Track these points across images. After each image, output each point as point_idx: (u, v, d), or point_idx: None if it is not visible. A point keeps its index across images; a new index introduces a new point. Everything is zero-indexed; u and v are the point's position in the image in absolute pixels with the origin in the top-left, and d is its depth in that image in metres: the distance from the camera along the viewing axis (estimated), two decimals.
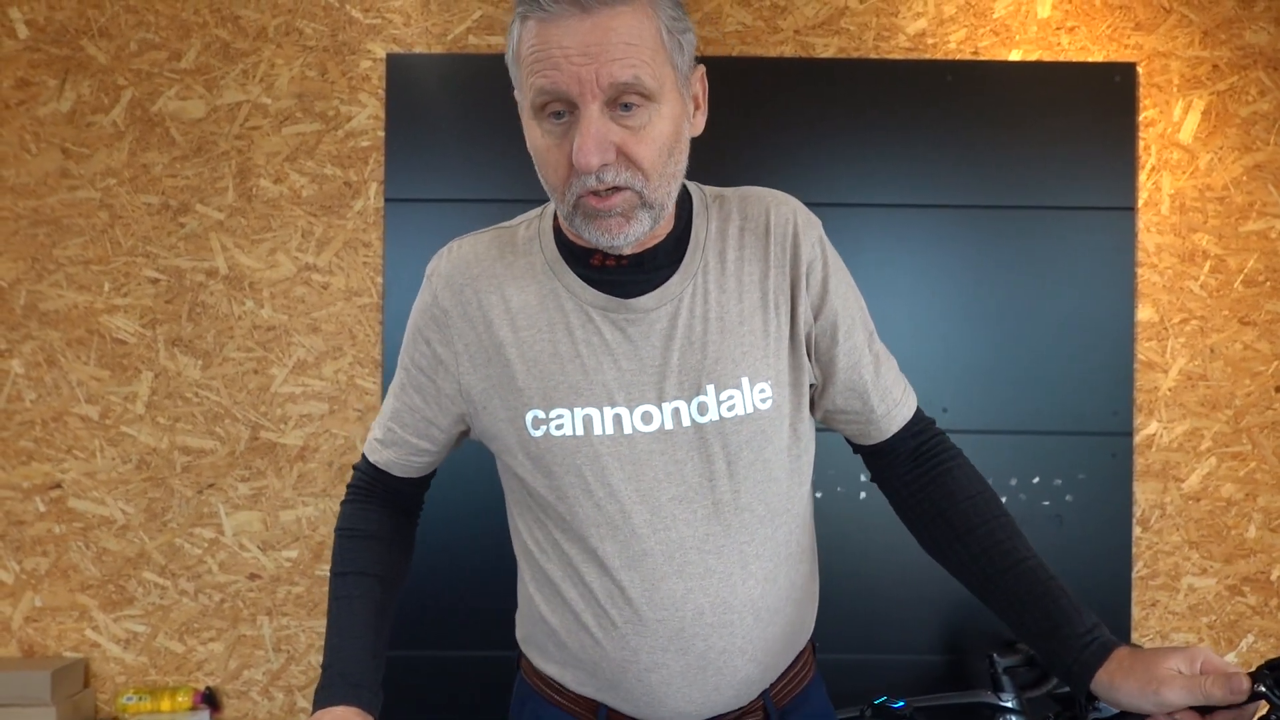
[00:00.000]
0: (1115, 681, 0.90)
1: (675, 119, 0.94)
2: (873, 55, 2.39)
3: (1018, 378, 2.37)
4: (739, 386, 1.00)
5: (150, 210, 2.38)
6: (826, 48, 2.40)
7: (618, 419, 1.00)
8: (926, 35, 2.40)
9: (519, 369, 1.01)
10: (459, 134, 2.36)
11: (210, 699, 2.35)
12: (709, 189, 1.09)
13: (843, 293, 1.07)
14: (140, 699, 2.31)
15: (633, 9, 0.88)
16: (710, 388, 1.00)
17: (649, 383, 1.00)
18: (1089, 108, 2.37)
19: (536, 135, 0.94)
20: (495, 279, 1.04)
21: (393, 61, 2.36)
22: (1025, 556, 1.01)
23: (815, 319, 1.05)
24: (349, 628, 1.04)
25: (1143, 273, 2.40)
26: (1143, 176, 2.40)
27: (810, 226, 1.06)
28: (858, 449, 1.17)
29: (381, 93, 2.37)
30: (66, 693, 2.28)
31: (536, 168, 0.97)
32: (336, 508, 2.36)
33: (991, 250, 2.37)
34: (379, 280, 2.38)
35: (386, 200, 2.36)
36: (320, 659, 2.40)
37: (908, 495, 1.12)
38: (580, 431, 0.99)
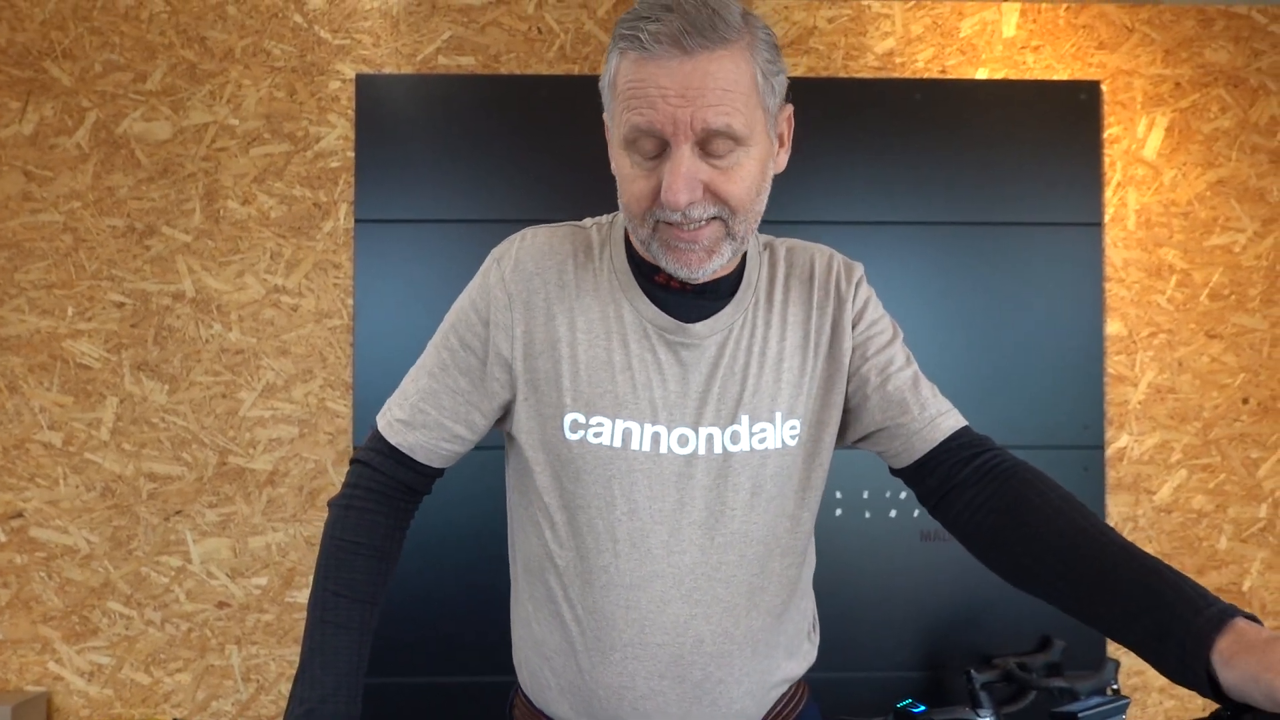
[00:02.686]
0: (1232, 657, 0.74)
1: (763, 160, 0.96)
2: (841, 74, 2.41)
3: (989, 392, 2.38)
4: (772, 421, 1.02)
5: (115, 233, 2.34)
6: (795, 67, 2.41)
7: (655, 437, 1.00)
8: (894, 54, 2.42)
9: (567, 370, 1.02)
10: (429, 154, 2.35)
11: None
12: (761, 236, 1.12)
13: (879, 318, 1.11)
14: None
15: (732, 53, 0.89)
16: (745, 418, 1.01)
17: (690, 407, 1.01)
18: (1055, 125, 2.40)
19: (624, 164, 0.96)
20: (566, 275, 1.05)
21: (362, 82, 2.35)
22: (1115, 538, 0.90)
23: (853, 337, 1.08)
24: (333, 661, 0.98)
25: (1111, 287, 2.42)
26: (1109, 192, 2.43)
27: (851, 269, 1.11)
28: (909, 475, 1.09)
29: (351, 113, 2.36)
30: None
31: (619, 192, 0.99)
32: (307, 534, 2.33)
33: (960, 266, 2.38)
34: (350, 302, 2.35)
35: (357, 221, 2.34)
36: (289, 687, 2.35)
37: (971, 514, 1.03)
38: (618, 443, 1.00)
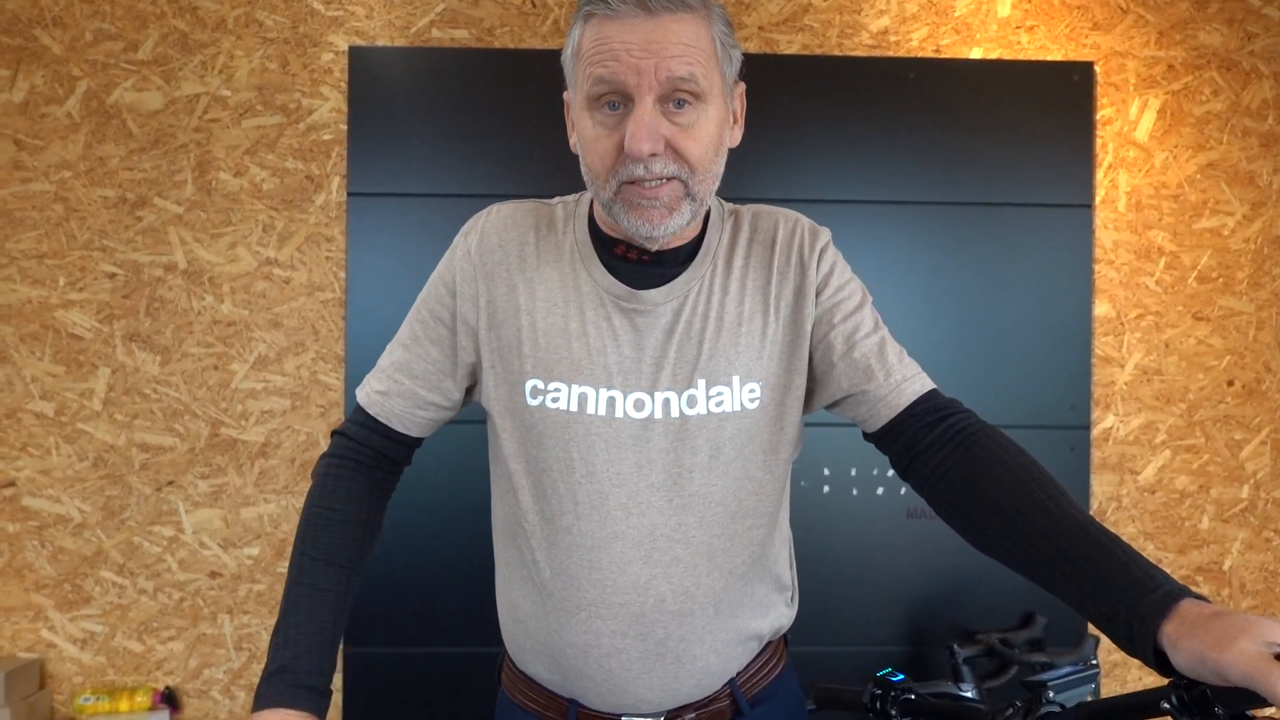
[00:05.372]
0: (1179, 640, 0.75)
1: (720, 122, 1.00)
2: (836, 52, 2.41)
3: (977, 372, 2.40)
4: (729, 384, 1.04)
5: (107, 203, 2.34)
6: (790, 44, 2.41)
7: (611, 401, 1.03)
8: (889, 33, 2.42)
9: (527, 337, 1.05)
10: (422, 128, 2.34)
11: (170, 699, 2.32)
12: (727, 204, 1.15)
13: (846, 283, 1.10)
14: (98, 699, 2.28)
15: (692, 15, 0.95)
16: (701, 382, 1.03)
17: (646, 372, 1.04)
18: (1048, 106, 2.40)
19: (587, 125, 0.99)
20: (527, 247, 1.09)
21: (355, 54, 2.34)
22: (1072, 513, 0.90)
23: (818, 306, 1.08)
24: (306, 622, 1.00)
25: (1100, 269, 2.44)
26: (1100, 174, 2.44)
27: (816, 235, 1.12)
28: (878, 440, 1.09)
29: (344, 86, 2.35)
30: (21, 694, 2.24)
31: (582, 158, 1.02)
32: (299, 505, 2.34)
33: (951, 246, 2.40)
34: (342, 275, 2.36)
35: (349, 194, 2.34)
36: None
37: (937, 480, 1.02)
38: (574, 408, 1.03)
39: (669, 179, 0.96)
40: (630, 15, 0.93)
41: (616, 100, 0.96)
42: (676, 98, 0.95)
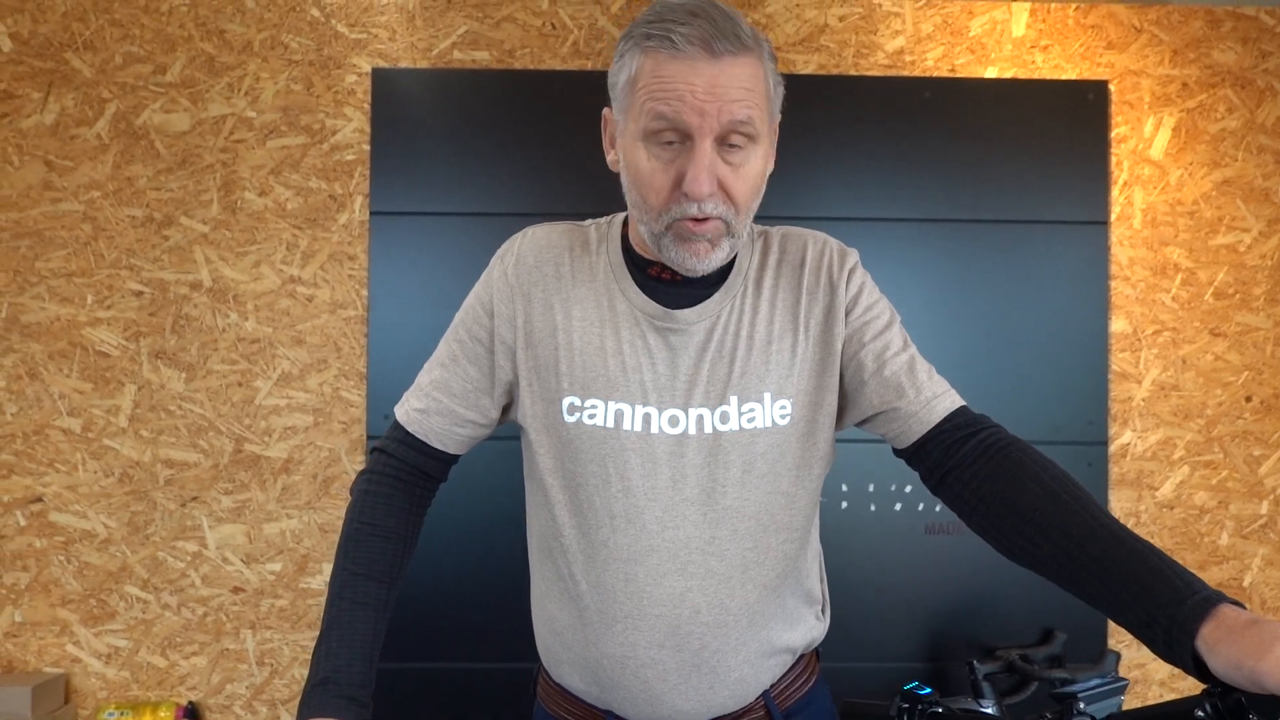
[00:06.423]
0: (1216, 644, 0.76)
1: (764, 159, 1.03)
2: (852, 72, 2.44)
3: (994, 388, 2.41)
4: (761, 401, 1.07)
5: (134, 223, 2.38)
6: (807, 64, 2.44)
7: (646, 418, 1.06)
8: (904, 53, 2.45)
9: (564, 356, 1.08)
10: (444, 148, 2.38)
11: (193, 713, 2.34)
12: (755, 225, 1.17)
13: (875, 302, 1.13)
14: (122, 714, 2.30)
15: (750, 57, 0.97)
16: (734, 399, 1.06)
17: (680, 389, 1.07)
18: (1063, 124, 2.42)
19: (641, 157, 1.00)
20: (563, 268, 1.12)
21: (378, 76, 2.38)
22: (1106, 522, 0.92)
23: (848, 325, 1.11)
24: (349, 635, 1.03)
25: (1116, 285, 2.45)
26: (1115, 191, 2.45)
27: (845, 255, 1.14)
28: (909, 457, 1.11)
29: (367, 107, 2.39)
30: (47, 708, 2.26)
31: (632, 186, 1.03)
32: (321, 520, 2.36)
33: (967, 264, 2.41)
34: (364, 293, 2.39)
35: (372, 213, 2.37)
36: (305, 670, 2.39)
37: (970, 495, 1.03)
38: (611, 424, 1.05)
39: (713, 218, 0.99)
40: (695, 56, 0.95)
41: (674, 138, 0.97)
42: (731, 140, 0.97)
